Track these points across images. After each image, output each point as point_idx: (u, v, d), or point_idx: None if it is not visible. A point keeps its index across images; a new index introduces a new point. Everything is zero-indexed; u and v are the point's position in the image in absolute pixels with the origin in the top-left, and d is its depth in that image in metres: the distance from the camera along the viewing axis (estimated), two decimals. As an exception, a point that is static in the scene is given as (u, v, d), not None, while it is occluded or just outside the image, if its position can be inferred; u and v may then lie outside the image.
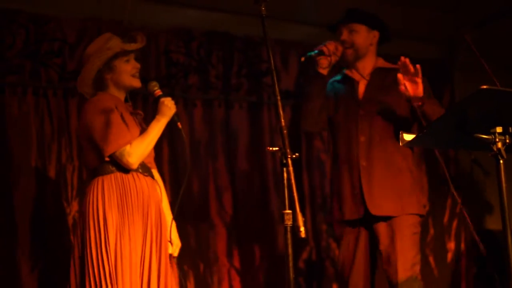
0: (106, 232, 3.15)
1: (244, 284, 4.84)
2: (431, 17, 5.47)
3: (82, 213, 3.27)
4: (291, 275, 2.32)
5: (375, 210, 3.57)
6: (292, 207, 2.29)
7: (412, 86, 3.42)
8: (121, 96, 3.45)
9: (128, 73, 3.40)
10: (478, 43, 3.28)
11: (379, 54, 3.86)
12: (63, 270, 4.07)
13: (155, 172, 3.52)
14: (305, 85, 3.80)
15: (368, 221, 3.63)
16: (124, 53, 3.39)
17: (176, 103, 3.39)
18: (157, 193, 3.37)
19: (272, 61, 2.56)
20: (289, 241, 2.32)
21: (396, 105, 3.66)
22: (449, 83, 5.92)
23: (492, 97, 2.24)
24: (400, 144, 2.43)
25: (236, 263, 4.85)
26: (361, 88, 3.77)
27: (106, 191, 3.22)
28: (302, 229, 2.23)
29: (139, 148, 3.26)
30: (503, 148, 2.30)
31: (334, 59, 3.72)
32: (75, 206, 4.32)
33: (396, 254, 3.54)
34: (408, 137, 2.40)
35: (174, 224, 3.41)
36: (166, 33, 4.83)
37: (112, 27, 4.33)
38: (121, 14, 4.51)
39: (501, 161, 2.32)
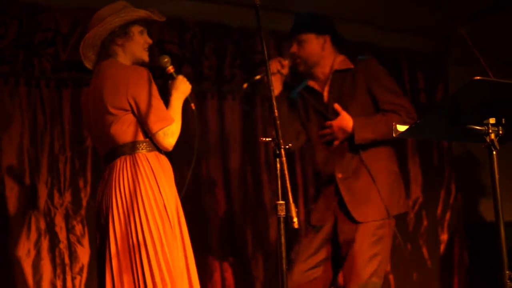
0: (165, 214, 2.88)
1: (236, 276, 4.85)
2: (426, 11, 5.46)
3: (124, 194, 2.91)
4: (284, 266, 2.32)
5: (359, 217, 3.58)
6: (285, 197, 2.28)
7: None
8: None
9: (141, 45, 3.17)
10: (472, 37, 3.28)
11: (377, 47, 3.86)
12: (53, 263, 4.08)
13: None
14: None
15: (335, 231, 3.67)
16: (141, 23, 3.16)
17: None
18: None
19: (265, 52, 2.55)
20: (282, 232, 2.31)
21: (361, 105, 3.67)
22: (444, 77, 5.92)
23: (485, 88, 2.24)
24: (394, 135, 2.42)
25: (229, 255, 4.85)
26: (326, 97, 3.79)
27: (155, 170, 2.95)
28: (295, 219, 2.22)
29: (178, 129, 3.06)
30: (496, 139, 2.30)
31: (282, 76, 3.76)
32: (67, 197, 4.31)
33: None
34: (401, 128, 2.39)
35: None
36: (159, 23, 4.80)
37: (105, 17, 4.30)
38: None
39: (494, 152, 2.31)
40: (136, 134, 2.99)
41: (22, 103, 4.27)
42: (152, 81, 3.01)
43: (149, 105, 2.94)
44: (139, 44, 3.17)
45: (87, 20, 4.41)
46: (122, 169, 2.96)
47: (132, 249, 2.86)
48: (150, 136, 3.01)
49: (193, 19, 4.95)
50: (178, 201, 3.07)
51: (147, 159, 2.97)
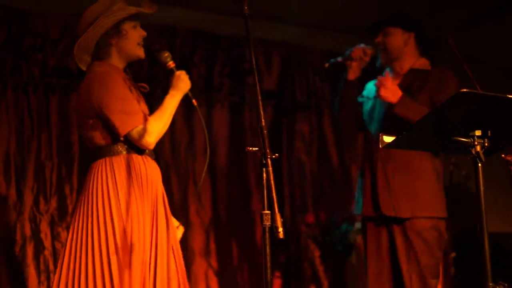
0: (112, 218, 2.86)
1: (222, 285, 4.83)
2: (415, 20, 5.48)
3: (85, 198, 2.93)
4: (269, 275, 2.31)
5: (387, 211, 3.61)
6: (271, 207, 2.28)
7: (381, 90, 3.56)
8: (122, 66, 3.12)
9: (135, 40, 3.10)
10: (462, 46, 3.30)
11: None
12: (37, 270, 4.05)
13: None
14: (337, 93, 3.86)
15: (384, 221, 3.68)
16: (133, 17, 3.08)
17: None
18: (161, 178, 3.12)
19: (254, 61, 2.54)
20: (267, 242, 2.30)
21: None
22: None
23: (471, 100, 2.25)
24: (380, 146, 2.42)
25: (214, 263, 4.84)
26: None
27: (117, 173, 2.92)
28: (280, 230, 2.21)
29: (158, 126, 2.97)
30: (482, 152, 2.31)
31: (363, 63, 3.82)
32: (53, 203, 4.29)
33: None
34: (387, 139, 2.39)
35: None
36: (150, 30, 4.79)
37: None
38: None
39: (480, 165, 2.32)
40: (105, 139, 2.97)
41: (9, 109, 4.26)
42: (120, 81, 2.97)
43: (113, 109, 2.92)
44: (133, 40, 3.11)
45: (76, 27, 4.44)
46: (90, 174, 2.97)
47: (79, 251, 2.88)
48: (123, 140, 2.98)
49: (183, 27, 4.96)
50: (155, 206, 3.01)
51: (112, 163, 2.96)
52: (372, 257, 3.72)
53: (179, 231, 3.26)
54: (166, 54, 3.17)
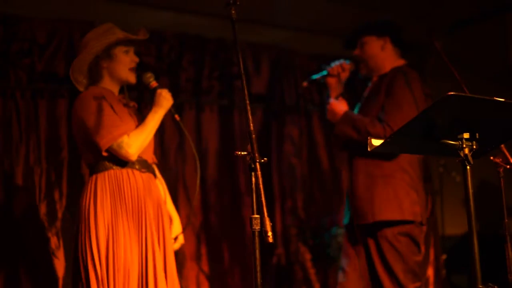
0: (97, 233, 3.04)
1: (213, 288, 4.83)
2: (403, 23, 5.49)
3: (77, 213, 3.17)
4: (259, 280, 2.31)
5: (354, 218, 3.59)
6: (260, 212, 2.28)
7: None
8: (115, 89, 3.31)
9: (126, 65, 3.28)
10: (449, 49, 3.30)
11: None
12: (26, 276, 4.02)
13: (156, 169, 3.42)
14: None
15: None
16: (126, 43, 3.27)
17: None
18: (156, 188, 3.27)
19: (241, 65, 2.54)
20: (257, 246, 2.31)
21: (376, 112, 3.68)
22: (420, 88, 5.96)
23: (459, 103, 2.25)
24: (368, 149, 2.43)
25: (205, 267, 4.83)
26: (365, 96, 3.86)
27: (99, 190, 3.11)
28: (269, 234, 2.21)
29: (138, 139, 3.15)
30: (470, 154, 2.31)
31: (343, 76, 3.81)
32: (42, 209, 4.26)
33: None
34: (376, 142, 2.40)
35: (177, 218, 3.40)
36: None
37: (83, 28, 4.29)
38: (92, 15, 4.47)
39: (468, 167, 2.32)
40: (94, 156, 3.17)
41: (-3, 114, 4.24)
42: (100, 100, 3.14)
43: (93, 127, 3.11)
44: (123, 65, 3.27)
45: (64, 31, 4.44)
46: (82, 191, 3.21)
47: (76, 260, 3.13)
48: (109, 156, 3.15)
49: (171, 31, 4.96)
50: (142, 219, 3.13)
51: (96, 181, 3.14)
52: (348, 261, 3.70)
53: (177, 243, 3.33)
54: (149, 75, 3.35)
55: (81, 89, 3.32)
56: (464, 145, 2.32)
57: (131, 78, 3.31)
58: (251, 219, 2.31)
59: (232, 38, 2.57)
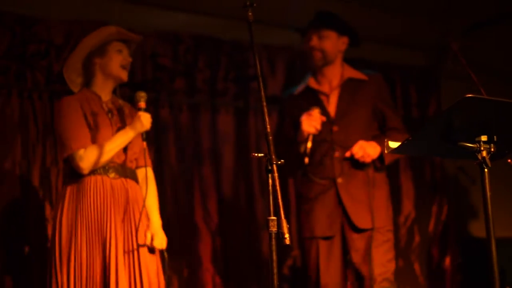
0: (60, 245, 3.18)
1: (228, 291, 4.83)
2: (419, 25, 5.48)
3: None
4: (275, 282, 2.31)
5: (360, 224, 3.62)
6: (277, 213, 2.28)
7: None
8: (107, 89, 3.36)
9: (118, 62, 3.33)
10: (466, 51, 3.29)
11: (369, 61, 3.91)
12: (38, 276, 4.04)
13: (141, 171, 3.44)
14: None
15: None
16: (119, 40, 3.33)
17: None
18: (127, 193, 3.29)
19: (258, 67, 2.54)
20: (274, 248, 2.31)
21: (366, 117, 3.72)
22: (436, 91, 5.93)
23: (477, 105, 2.24)
24: (386, 151, 2.42)
25: (221, 269, 4.83)
26: (333, 101, 3.79)
27: (66, 201, 3.23)
28: (286, 235, 2.22)
29: (93, 154, 3.20)
30: (488, 157, 2.30)
31: (317, 129, 3.72)
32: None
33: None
34: (393, 144, 2.39)
35: (157, 216, 3.40)
36: (154, 36, 4.81)
37: (99, 29, 4.30)
38: (108, 16, 4.48)
39: (486, 170, 2.31)
40: (66, 165, 3.32)
41: (14, 115, 4.25)
42: (72, 108, 3.23)
43: (58, 135, 3.27)
44: (115, 62, 3.32)
45: (80, 32, 4.44)
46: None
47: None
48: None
49: (188, 33, 4.96)
50: (112, 217, 3.20)
51: (66, 190, 3.26)
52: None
53: (161, 239, 3.32)
54: (142, 94, 3.37)
55: (74, 89, 3.38)
56: (482, 148, 2.31)
57: (123, 75, 3.35)
58: (267, 221, 2.31)
59: (249, 40, 2.58)
